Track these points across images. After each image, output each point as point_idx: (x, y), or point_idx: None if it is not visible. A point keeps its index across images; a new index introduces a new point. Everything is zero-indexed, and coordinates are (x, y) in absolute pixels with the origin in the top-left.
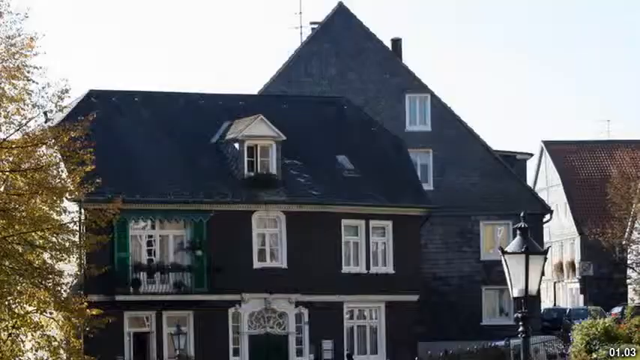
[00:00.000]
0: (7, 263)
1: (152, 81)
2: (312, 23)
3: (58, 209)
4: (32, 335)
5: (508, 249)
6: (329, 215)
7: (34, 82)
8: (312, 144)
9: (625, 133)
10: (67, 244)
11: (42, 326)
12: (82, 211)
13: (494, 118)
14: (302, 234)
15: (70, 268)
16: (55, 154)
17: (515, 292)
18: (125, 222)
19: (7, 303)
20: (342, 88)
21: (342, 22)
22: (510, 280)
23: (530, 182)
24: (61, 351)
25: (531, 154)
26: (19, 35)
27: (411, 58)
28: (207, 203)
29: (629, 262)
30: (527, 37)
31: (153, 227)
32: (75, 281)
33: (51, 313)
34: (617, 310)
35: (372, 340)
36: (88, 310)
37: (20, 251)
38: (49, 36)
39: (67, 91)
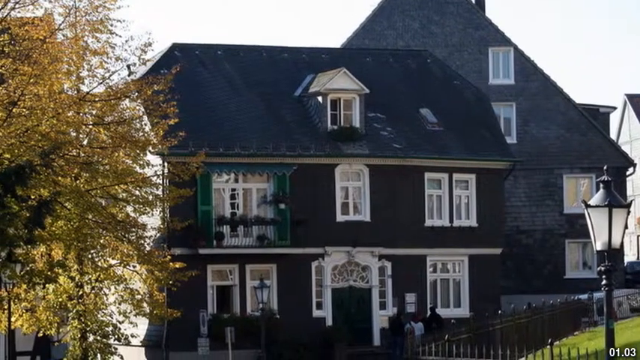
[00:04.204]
0: (90, 216)
1: (235, 34)
2: None
3: (141, 162)
4: (115, 288)
5: (591, 202)
6: (412, 168)
7: (117, 35)
8: (395, 97)
9: None
10: (150, 197)
11: (125, 279)
12: (165, 164)
13: (577, 71)
14: (385, 187)
15: (153, 221)
16: (138, 108)
17: (599, 246)
18: (208, 175)
19: (90, 256)
20: (425, 41)
21: None
22: (593, 233)
23: (613, 135)
24: (144, 304)
25: (614, 107)
26: None
27: (494, 12)
28: (291, 156)
29: None
30: None
31: (236, 180)
32: (158, 234)
33: (134, 267)
34: None
35: (455, 294)
36: (171, 264)
37: (103, 204)
38: None
39: (150, 44)
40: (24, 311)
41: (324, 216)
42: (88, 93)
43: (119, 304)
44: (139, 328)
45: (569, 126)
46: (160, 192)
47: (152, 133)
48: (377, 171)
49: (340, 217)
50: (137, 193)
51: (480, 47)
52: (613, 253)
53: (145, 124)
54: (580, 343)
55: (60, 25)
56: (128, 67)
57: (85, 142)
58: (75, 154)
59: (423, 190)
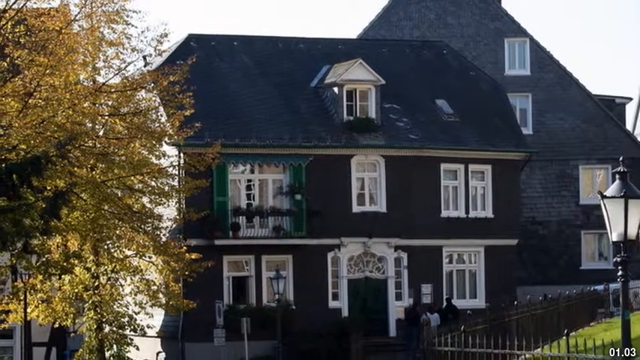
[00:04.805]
0: (106, 207)
1: (251, 25)
2: None
3: (157, 153)
4: (131, 279)
5: (607, 193)
6: (428, 159)
7: (133, 26)
8: (411, 88)
9: None
10: (166, 188)
11: (141, 270)
12: (181, 155)
13: (593, 62)
14: (401, 178)
15: (169, 212)
16: (154, 98)
17: (615, 237)
18: (224, 166)
19: (106, 247)
20: (441, 32)
21: None
22: (609, 224)
23: (629, 126)
24: (160, 295)
25: (630, 98)
26: None
27: (509, 2)
28: (306, 147)
29: None
30: None
31: (252, 171)
32: (174, 225)
33: (150, 257)
34: None
35: (471, 285)
36: (187, 255)
37: (119, 195)
38: None
39: (166, 35)
40: (40, 302)
41: (340, 207)
42: (103, 84)
43: (135, 294)
44: (155, 319)
45: (585, 117)
46: (175, 183)
47: (168, 124)
48: (393, 162)
49: (356, 208)
50: (153, 184)
51: (495, 38)
52: (629, 244)
53: (161, 115)
54: (596, 333)
55: (76, 15)
56: (144, 57)
57: (100, 133)
58: (91, 145)
59: (439, 181)
